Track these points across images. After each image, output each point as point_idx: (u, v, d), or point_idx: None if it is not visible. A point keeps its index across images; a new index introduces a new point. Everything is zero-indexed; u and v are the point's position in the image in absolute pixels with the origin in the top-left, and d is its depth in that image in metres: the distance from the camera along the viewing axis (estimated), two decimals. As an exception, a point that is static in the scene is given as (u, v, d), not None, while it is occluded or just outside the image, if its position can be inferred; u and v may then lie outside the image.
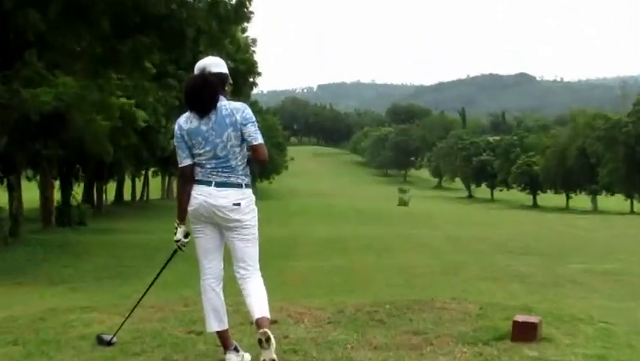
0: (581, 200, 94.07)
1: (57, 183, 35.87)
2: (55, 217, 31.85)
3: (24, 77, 19.84)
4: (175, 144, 4.92)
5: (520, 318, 5.50)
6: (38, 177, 35.72)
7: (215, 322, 4.97)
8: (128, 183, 62.02)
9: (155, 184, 76.39)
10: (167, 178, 74.89)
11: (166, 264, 5.44)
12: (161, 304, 7.32)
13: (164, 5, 17.54)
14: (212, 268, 5.01)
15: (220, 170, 4.77)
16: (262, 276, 4.94)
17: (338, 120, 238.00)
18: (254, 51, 44.60)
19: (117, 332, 5.63)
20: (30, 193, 42.18)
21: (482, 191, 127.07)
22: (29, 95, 20.58)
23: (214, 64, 4.91)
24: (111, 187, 57.51)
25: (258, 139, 4.76)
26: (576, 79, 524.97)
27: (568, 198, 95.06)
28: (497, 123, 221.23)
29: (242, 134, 4.75)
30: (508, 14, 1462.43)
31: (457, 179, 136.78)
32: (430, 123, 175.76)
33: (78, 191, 41.29)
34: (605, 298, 10.88)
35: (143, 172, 63.75)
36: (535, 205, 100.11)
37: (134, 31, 18.65)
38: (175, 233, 5.02)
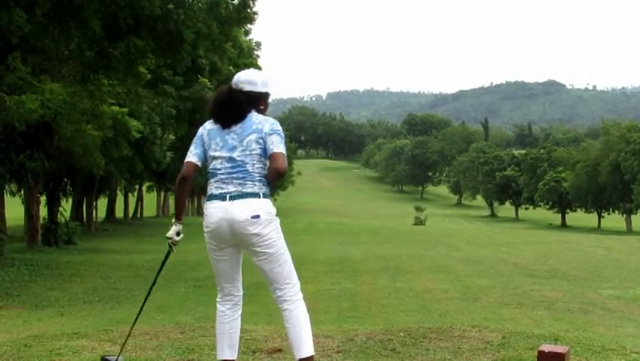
0: (614, 220, 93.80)
1: (43, 199, 35.88)
2: (41, 236, 31.85)
3: (7, 83, 19.86)
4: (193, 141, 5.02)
5: (546, 348, 5.49)
6: (22, 192, 35.76)
7: (228, 350, 5.03)
8: (120, 199, 62.09)
9: (150, 200, 76.48)
10: (162, 194, 74.92)
11: (161, 267, 5.49)
12: (156, 331, 7.35)
13: (158, 4, 17.51)
14: (232, 291, 5.09)
15: (234, 177, 4.79)
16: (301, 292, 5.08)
17: (349, 131, 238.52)
18: (258, 55, 44.95)
19: (121, 351, 5.66)
20: (14, 209, 42.35)
21: (506, 209, 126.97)
22: (13, 102, 20.61)
23: (247, 81, 4.96)
24: (102, 203, 57.55)
25: (280, 148, 4.78)
26: (610, 87, 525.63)
27: (600, 217, 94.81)
28: (523, 135, 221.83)
29: (265, 143, 4.80)
30: (536, 17, 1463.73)
31: (479, 196, 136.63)
32: (450, 135, 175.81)
33: (66, 207, 41.33)
34: (639, 327, 10.86)
35: (137, 187, 63.77)
36: (563, 225, 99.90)
37: (126, 33, 18.64)
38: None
